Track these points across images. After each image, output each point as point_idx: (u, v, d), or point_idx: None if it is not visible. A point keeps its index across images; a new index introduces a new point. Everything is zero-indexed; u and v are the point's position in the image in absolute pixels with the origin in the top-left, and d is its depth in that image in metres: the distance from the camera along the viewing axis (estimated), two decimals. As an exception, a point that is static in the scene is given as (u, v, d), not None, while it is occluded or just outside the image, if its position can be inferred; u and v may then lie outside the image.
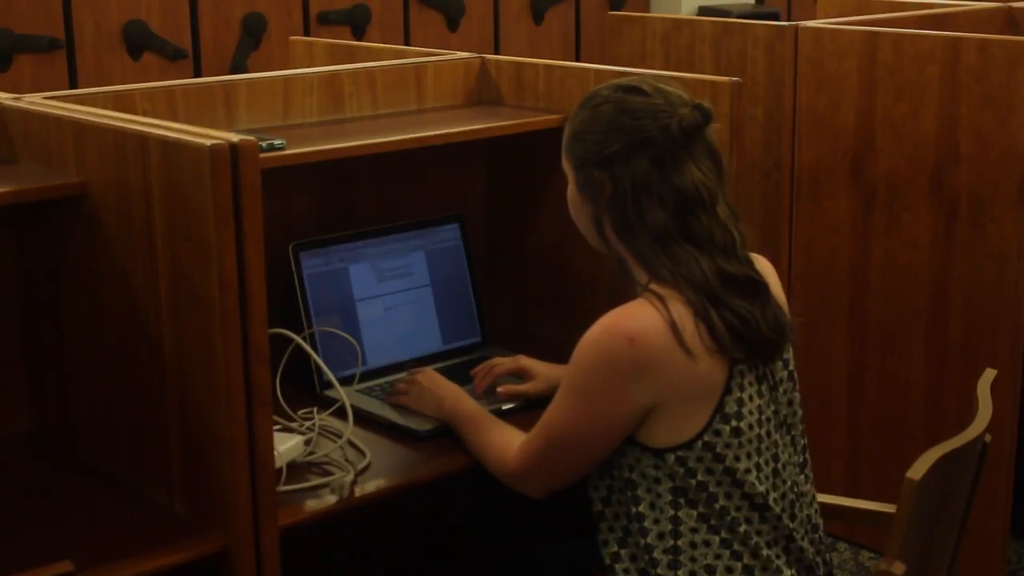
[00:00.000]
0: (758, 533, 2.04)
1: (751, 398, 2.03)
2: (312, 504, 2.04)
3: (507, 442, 2.16)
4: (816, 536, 2.13)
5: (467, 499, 2.88)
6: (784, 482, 2.08)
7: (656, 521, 2.03)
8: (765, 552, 2.03)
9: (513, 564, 2.53)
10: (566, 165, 2.13)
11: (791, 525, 2.06)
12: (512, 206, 2.85)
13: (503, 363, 2.48)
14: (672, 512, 2.02)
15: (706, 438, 2.00)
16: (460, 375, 2.56)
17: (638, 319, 1.98)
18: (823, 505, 2.36)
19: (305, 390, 2.50)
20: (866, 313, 3.39)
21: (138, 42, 4.93)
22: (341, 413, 2.40)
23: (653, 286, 2.02)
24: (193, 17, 5.08)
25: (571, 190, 2.13)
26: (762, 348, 2.03)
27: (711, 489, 2.01)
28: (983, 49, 3.09)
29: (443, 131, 2.52)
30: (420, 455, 2.24)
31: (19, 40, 4.69)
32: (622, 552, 2.07)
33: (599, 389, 2.00)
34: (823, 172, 3.42)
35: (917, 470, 1.85)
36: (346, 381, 2.52)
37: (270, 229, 1.97)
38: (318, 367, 2.50)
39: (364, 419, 2.37)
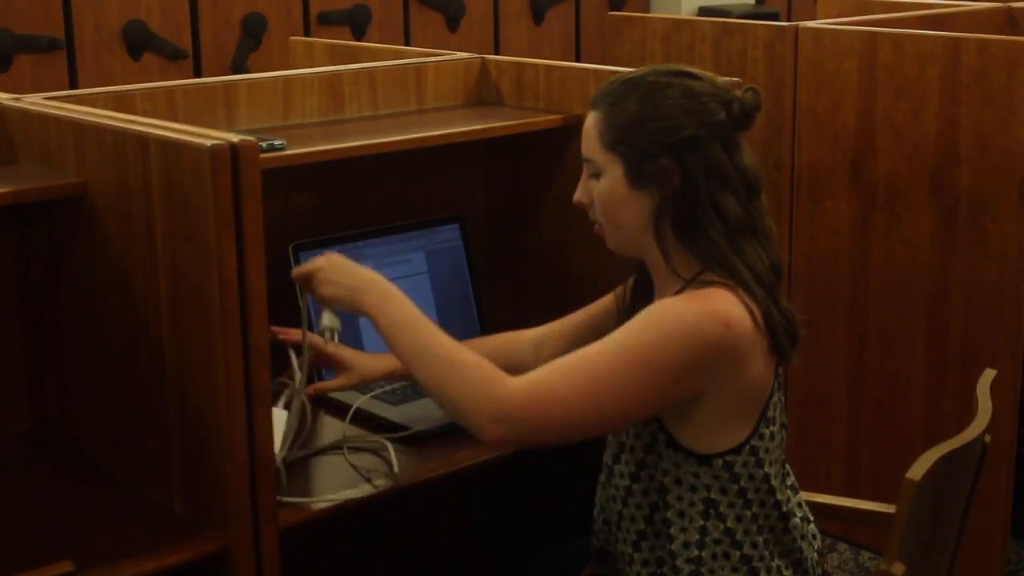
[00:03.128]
0: (777, 543, 2.01)
1: (779, 400, 2.01)
2: (312, 504, 2.04)
3: (489, 367, 1.89)
4: (817, 546, 2.12)
5: (467, 499, 2.88)
6: (796, 491, 2.07)
7: (683, 530, 1.97)
8: (776, 563, 2.01)
9: (513, 564, 2.52)
10: (608, 158, 1.98)
11: (803, 533, 2.05)
12: (512, 206, 2.85)
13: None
14: (701, 523, 1.97)
15: (753, 442, 1.96)
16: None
17: (733, 305, 1.89)
18: (823, 505, 2.36)
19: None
20: (866, 313, 3.39)
21: (138, 42, 4.93)
22: (339, 413, 2.40)
23: (709, 277, 1.94)
24: (193, 17, 5.07)
25: (612, 184, 1.98)
26: (794, 348, 2.01)
27: (749, 496, 1.97)
28: (983, 49, 3.09)
29: (443, 131, 2.52)
30: (420, 455, 2.24)
31: (19, 40, 4.69)
32: (635, 556, 2.02)
33: (671, 363, 1.86)
34: (823, 172, 3.42)
35: (917, 470, 1.85)
36: (346, 381, 2.52)
37: (270, 229, 1.97)
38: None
39: (364, 419, 2.37)
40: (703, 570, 1.97)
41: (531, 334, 2.31)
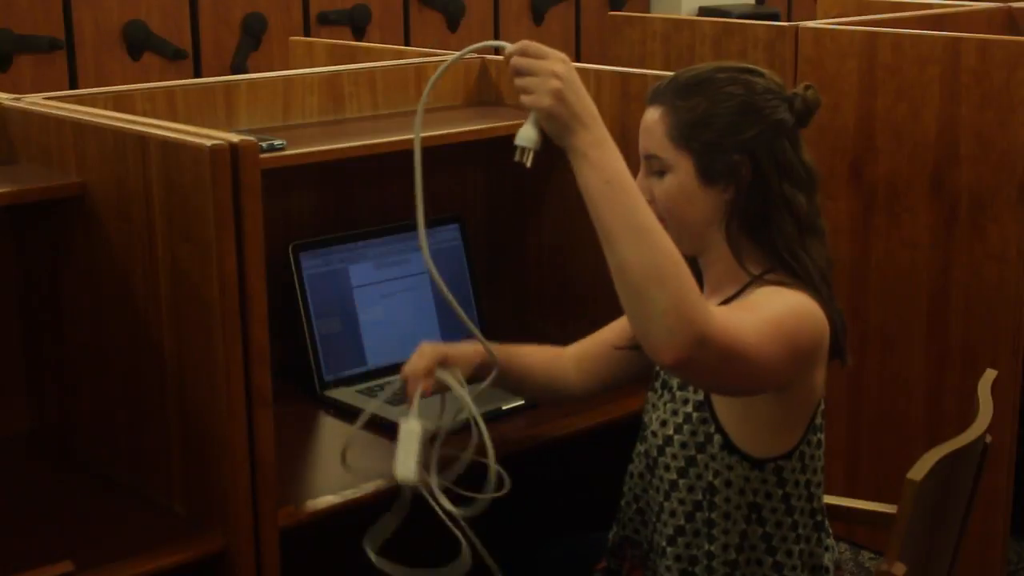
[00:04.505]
0: (810, 555, 2.01)
1: (824, 407, 2.00)
2: (312, 504, 2.04)
3: (689, 274, 1.69)
4: (836, 558, 2.11)
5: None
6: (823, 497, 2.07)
7: (725, 532, 1.96)
8: (804, 575, 2.01)
9: (515, 560, 2.52)
10: (677, 155, 1.93)
11: (828, 545, 2.05)
12: (512, 206, 2.85)
13: (419, 374, 2.08)
14: (743, 526, 1.96)
15: (802, 448, 1.96)
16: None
17: (816, 305, 1.88)
18: (823, 505, 2.36)
19: (305, 390, 2.50)
20: (866, 313, 3.39)
21: (138, 42, 4.94)
22: (340, 413, 2.41)
23: (776, 276, 1.92)
24: (193, 17, 5.08)
25: (682, 181, 1.93)
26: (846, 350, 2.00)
27: (792, 503, 1.97)
28: (983, 49, 3.09)
29: (443, 131, 2.52)
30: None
31: (19, 40, 4.69)
32: (669, 550, 2.00)
33: (799, 340, 1.83)
34: (823, 172, 3.42)
35: (918, 471, 1.85)
36: (346, 381, 2.52)
37: (270, 229, 1.97)
38: (318, 367, 2.50)
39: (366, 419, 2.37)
40: (736, 573, 1.97)
41: (572, 351, 2.25)
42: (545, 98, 1.72)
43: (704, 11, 6.21)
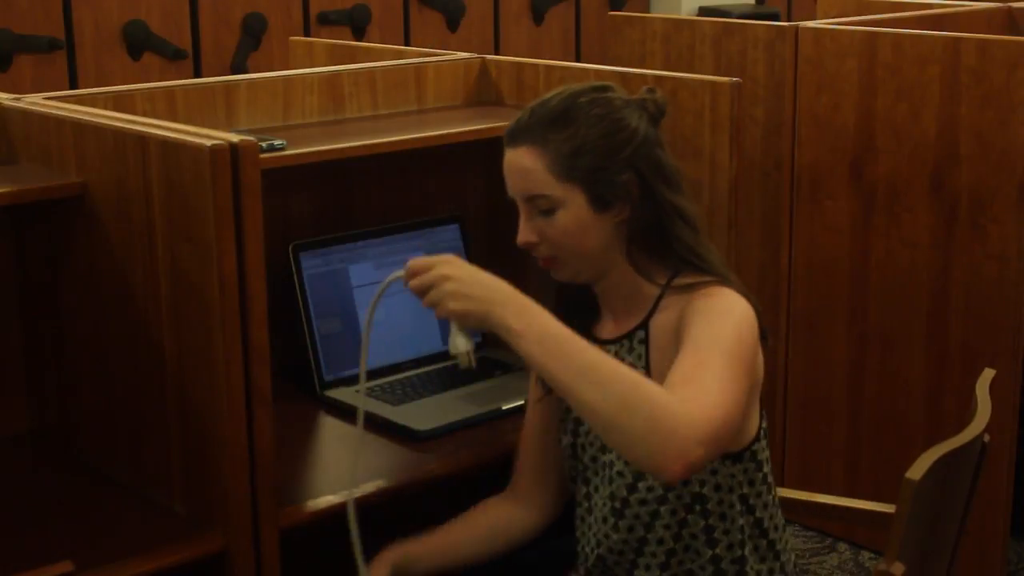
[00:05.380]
0: (785, 524, 2.06)
1: None
2: (312, 504, 2.04)
3: (650, 384, 1.68)
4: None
5: (467, 499, 2.87)
6: None
7: (727, 532, 1.97)
8: (789, 543, 2.05)
9: (499, 563, 2.50)
10: (565, 189, 1.92)
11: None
12: (512, 206, 2.84)
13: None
14: (740, 521, 1.98)
15: (763, 424, 2.00)
16: (460, 376, 2.56)
17: (742, 300, 1.89)
18: (823, 505, 2.36)
19: (305, 390, 2.50)
20: (866, 313, 3.39)
21: (138, 42, 4.93)
22: (340, 413, 2.41)
23: (685, 279, 1.94)
24: (193, 17, 5.08)
25: (577, 214, 1.93)
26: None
27: (769, 479, 2.02)
28: (983, 49, 3.09)
29: (443, 131, 2.52)
30: (420, 455, 2.24)
31: (19, 40, 4.69)
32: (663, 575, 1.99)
33: (749, 353, 1.82)
34: (823, 172, 3.42)
35: (917, 470, 1.85)
36: (346, 382, 2.52)
37: (270, 229, 1.97)
38: (318, 367, 2.51)
39: (364, 419, 2.37)
40: (747, 569, 1.98)
41: (509, 488, 2.18)
42: (449, 302, 1.73)
43: (704, 11, 6.21)
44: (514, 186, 1.98)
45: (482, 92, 2.83)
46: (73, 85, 4.76)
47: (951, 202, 3.19)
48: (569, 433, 2.09)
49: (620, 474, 1.99)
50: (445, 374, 2.58)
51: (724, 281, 1.93)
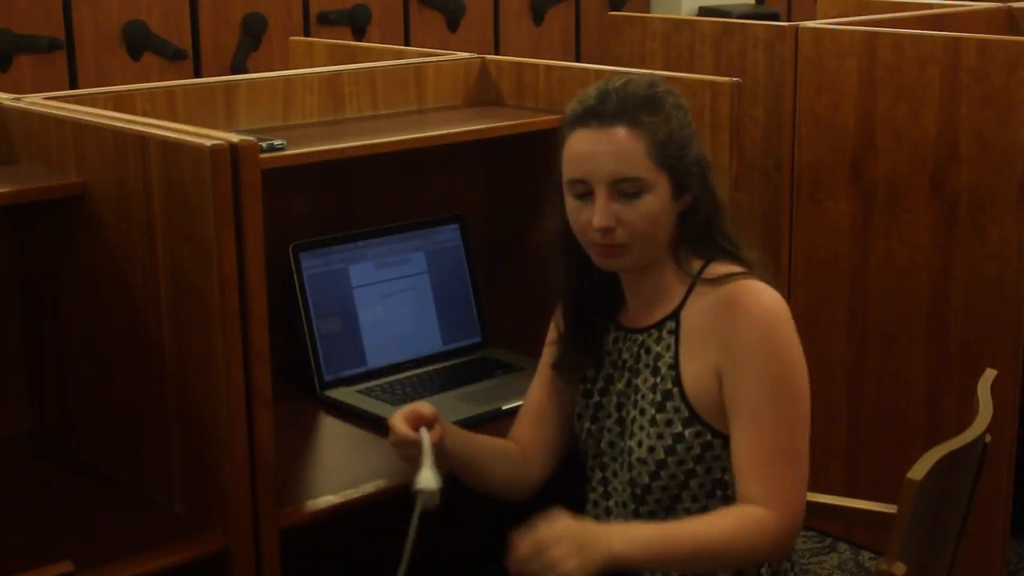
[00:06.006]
0: None
1: None
2: (312, 504, 2.04)
3: (741, 517, 1.87)
4: None
5: (467, 499, 2.87)
6: None
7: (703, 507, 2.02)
8: None
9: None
10: (656, 174, 1.94)
11: None
12: (512, 206, 2.85)
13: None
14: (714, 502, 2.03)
15: None
16: (460, 375, 2.57)
17: (780, 300, 1.96)
18: (823, 505, 2.35)
19: (305, 390, 2.50)
20: (866, 313, 3.39)
21: (138, 42, 4.93)
22: (340, 413, 2.41)
23: (719, 269, 1.99)
24: (193, 17, 5.08)
25: (661, 199, 1.95)
26: None
27: None
28: (983, 49, 3.09)
29: (443, 131, 2.52)
30: (420, 455, 2.24)
31: (19, 40, 4.69)
32: None
33: (801, 359, 1.93)
34: (823, 172, 3.42)
35: (918, 471, 1.85)
36: (346, 381, 2.52)
37: (270, 229, 1.97)
38: (318, 367, 2.51)
39: (364, 419, 2.38)
40: None
41: (514, 438, 2.18)
42: (566, 564, 1.76)
43: (704, 11, 6.21)
44: (600, 167, 1.94)
45: (482, 92, 2.83)
46: (73, 85, 4.76)
47: (951, 202, 3.19)
48: (588, 419, 2.10)
49: (642, 461, 2.00)
50: (445, 374, 2.58)
51: (752, 271, 1.98)
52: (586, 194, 1.96)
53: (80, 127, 2.03)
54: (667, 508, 2.01)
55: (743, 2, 6.50)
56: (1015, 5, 4.10)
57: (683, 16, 4.72)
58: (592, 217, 1.95)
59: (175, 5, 5.02)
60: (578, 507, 2.08)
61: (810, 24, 3.43)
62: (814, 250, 3.47)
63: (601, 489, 2.10)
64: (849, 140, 3.34)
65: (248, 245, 1.84)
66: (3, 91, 2.31)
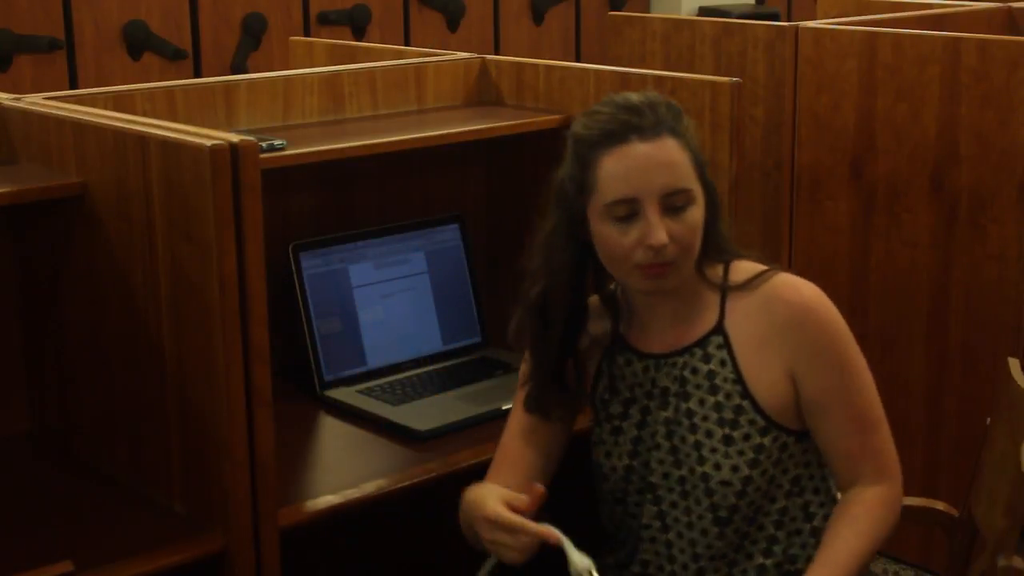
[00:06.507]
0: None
1: None
2: (312, 504, 2.04)
3: (860, 518, 1.93)
4: None
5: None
6: None
7: (822, 504, 2.00)
8: None
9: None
10: (698, 185, 1.90)
11: None
12: (512, 206, 2.85)
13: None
14: (825, 488, 2.01)
15: None
16: (460, 375, 2.57)
17: (814, 288, 1.98)
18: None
19: (305, 390, 2.50)
20: (866, 313, 3.39)
21: (138, 42, 4.93)
22: (340, 413, 2.41)
23: (744, 267, 1.98)
24: (193, 17, 5.08)
25: (701, 210, 1.91)
26: None
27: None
28: (983, 49, 3.09)
29: (443, 131, 2.52)
30: (420, 455, 2.24)
31: (19, 40, 4.69)
32: (767, 563, 1.97)
33: (847, 327, 1.97)
34: (823, 172, 3.42)
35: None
36: (346, 382, 2.52)
37: (270, 229, 1.97)
38: (318, 367, 2.51)
39: (364, 419, 2.38)
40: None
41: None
42: None
43: (704, 11, 6.21)
44: (652, 181, 1.87)
45: (482, 92, 2.83)
46: (73, 85, 4.76)
47: (951, 202, 3.19)
48: (624, 456, 2.01)
49: (726, 483, 1.93)
50: (445, 374, 2.58)
51: (777, 268, 1.98)
52: (630, 215, 1.87)
53: (80, 127, 2.03)
54: (750, 520, 1.96)
55: (743, 2, 6.50)
56: (1015, 5, 4.10)
57: (683, 16, 4.72)
58: (641, 236, 1.86)
59: (175, 5, 5.02)
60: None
61: (810, 24, 3.43)
62: (814, 250, 3.47)
63: (658, 523, 2.00)
64: (849, 140, 3.34)
65: (248, 245, 1.84)
66: (3, 91, 2.31)
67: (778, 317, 1.94)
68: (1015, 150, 3.06)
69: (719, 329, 1.96)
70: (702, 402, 1.96)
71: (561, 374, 2.03)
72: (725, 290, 1.97)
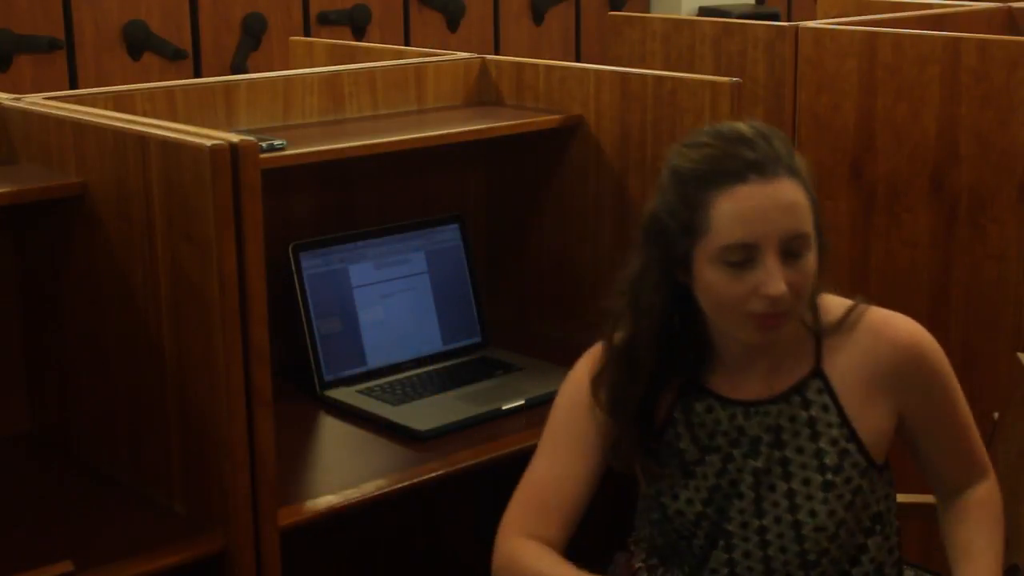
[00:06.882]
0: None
1: None
2: (312, 504, 2.04)
3: (983, 522, 1.94)
4: None
5: (467, 499, 2.88)
6: None
7: (898, 544, 1.96)
8: None
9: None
10: (812, 230, 1.75)
11: None
12: (512, 206, 2.85)
13: None
14: (893, 518, 1.95)
15: None
16: (460, 375, 2.57)
17: (912, 321, 2.00)
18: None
19: (305, 390, 2.50)
20: (866, 313, 3.39)
21: (138, 42, 4.94)
22: (340, 413, 2.41)
23: (834, 313, 1.90)
24: (193, 17, 5.08)
25: (815, 257, 1.76)
26: None
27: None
28: (983, 49, 3.09)
29: (443, 131, 2.52)
30: (420, 455, 2.24)
31: (19, 40, 4.69)
32: None
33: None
34: (823, 172, 3.42)
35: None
36: (346, 381, 2.52)
37: (270, 229, 1.97)
38: (318, 367, 2.51)
39: (364, 419, 2.38)
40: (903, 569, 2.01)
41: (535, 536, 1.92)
42: None
43: (704, 11, 6.21)
44: (772, 225, 1.72)
45: (482, 92, 2.83)
46: (73, 85, 4.76)
47: (951, 202, 3.19)
48: (697, 503, 1.88)
49: (820, 529, 1.84)
50: (445, 374, 2.58)
51: (861, 300, 1.93)
52: (745, 261, 1.72)
53: (80, 127, 2.03)
54: (836, 562, 1.87)
55: (743, 2, 6.50)
56: (1015, 5, 4.10)
57: (683, 16, 4.72)
58: (757, 285, 1.72)
59: (175, 5, 5.02)
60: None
61: (810, 24, 3.43)
62: (814, 250, 3.47)
63: (726, 571, 1.88)
64: (849, 140, 3.34)
65: (248, 245, 1.84)
66: (3, 91, 2.31)
67: (884, 359, 1.87)
68: (1015, 150, 3.06)
69: (818, 373, 1.86)
70: (800, 450, 1.85)
71: (649, 422, 1.87)
72: (819, 333, 1.86)
